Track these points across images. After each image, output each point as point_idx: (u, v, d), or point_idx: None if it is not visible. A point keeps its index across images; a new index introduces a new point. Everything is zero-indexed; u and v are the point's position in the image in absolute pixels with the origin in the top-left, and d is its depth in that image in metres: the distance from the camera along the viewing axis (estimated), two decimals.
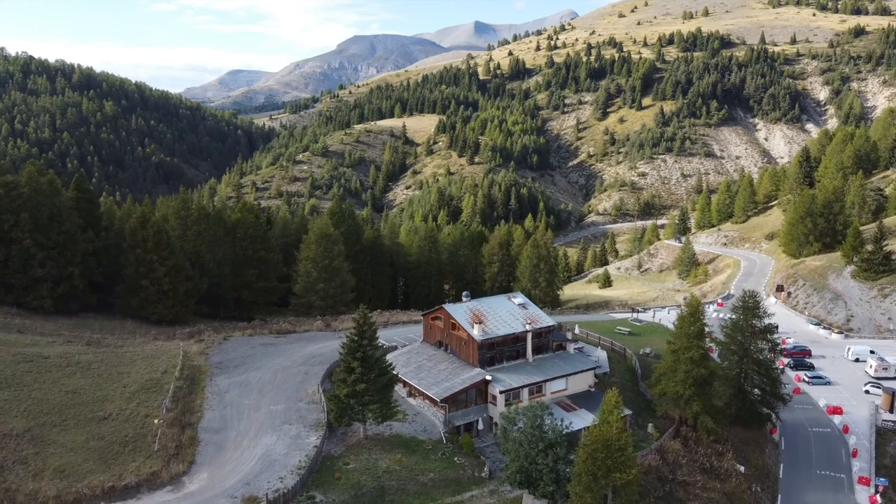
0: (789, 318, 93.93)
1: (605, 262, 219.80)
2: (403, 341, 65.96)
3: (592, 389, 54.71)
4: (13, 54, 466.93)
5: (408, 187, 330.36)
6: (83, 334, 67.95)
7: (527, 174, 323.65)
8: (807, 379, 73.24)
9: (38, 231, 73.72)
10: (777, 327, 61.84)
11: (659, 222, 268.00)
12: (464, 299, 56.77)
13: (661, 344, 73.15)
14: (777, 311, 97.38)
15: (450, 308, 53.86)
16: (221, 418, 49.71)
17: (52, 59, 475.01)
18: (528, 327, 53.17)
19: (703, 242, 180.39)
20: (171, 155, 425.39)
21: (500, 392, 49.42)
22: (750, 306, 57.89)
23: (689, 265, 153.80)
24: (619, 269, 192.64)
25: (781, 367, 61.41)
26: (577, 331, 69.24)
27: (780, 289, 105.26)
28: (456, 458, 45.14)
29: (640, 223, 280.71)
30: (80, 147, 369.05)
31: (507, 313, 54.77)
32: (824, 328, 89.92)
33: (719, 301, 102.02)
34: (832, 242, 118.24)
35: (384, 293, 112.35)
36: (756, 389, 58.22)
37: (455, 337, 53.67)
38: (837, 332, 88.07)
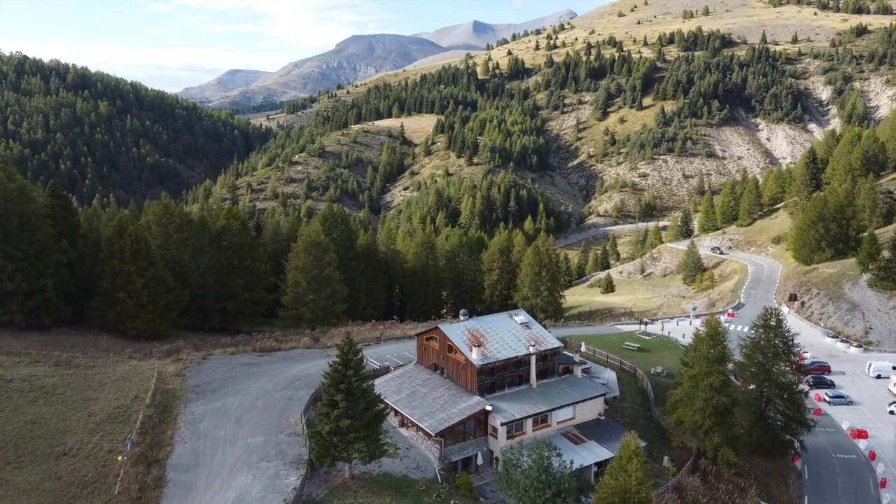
0: (804, 330, 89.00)
1: (606, 266, 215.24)
2: (397, 360, 61.23)
3: (602, 418, 50.05)
4: (7, 54, 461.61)
5: (406, 188, 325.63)
6: (53, 353, 63.16)
7: (526, 175, 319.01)
8: (828, 398, 68.65)
9: (7, 241, 68.88)
10: (798, 345, 57.10)
11: (661, 224, 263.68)
12: (461, 318, 52.08)
13: (673, 361, 68.59)
14: (790, 321, 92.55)
15: (445, 329, 49.13)
16: (193, 453, 44.97)
17: (47, 59, 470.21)
18: (531, 349, 48.48)
19: (708, 245, 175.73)
20: (166, 156, 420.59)
21: (502, 424, 44.76)
22: (772, 325, 53.28)
23: (695, 270, 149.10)
24: (621, 273, 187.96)
25: (802, 385, 56.59)
26: (583, 349, 64.56)
27: (793, 298, 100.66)
28: (453, 501, 40.48)
29: (641, 225, 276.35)
30: (74, 148, 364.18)
31: (509, 334, 50.08)
32: (842, 341, 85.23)
33: (730, 311, 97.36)
34: (845, 248, 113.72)
35: (379, 302, 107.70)
36: (779, 416, 53.58)
37: (452, 360, 48.99)
38: (856, 346, 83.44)
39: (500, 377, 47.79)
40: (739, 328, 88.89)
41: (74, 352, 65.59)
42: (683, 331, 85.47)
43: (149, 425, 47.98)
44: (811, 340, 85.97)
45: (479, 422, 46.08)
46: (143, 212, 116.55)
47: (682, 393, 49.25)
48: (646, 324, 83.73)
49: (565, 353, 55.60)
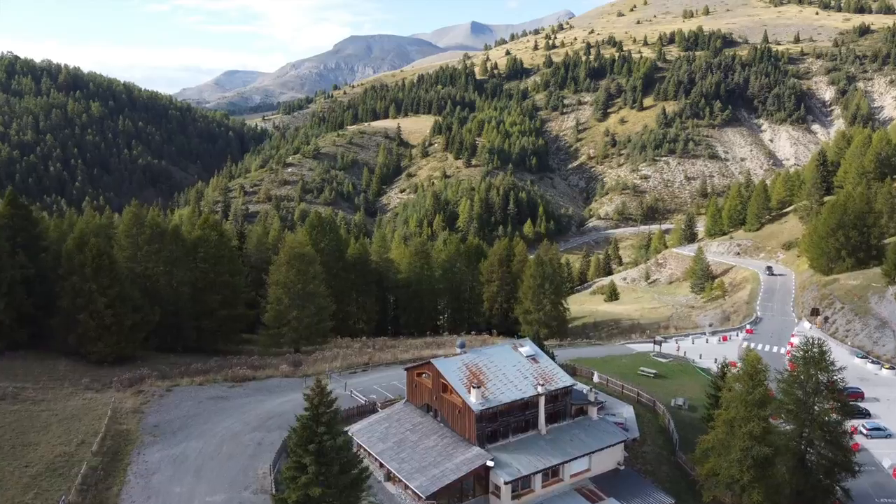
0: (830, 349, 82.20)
1: (608, 271, 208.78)
2: (386, 393, 54.28)
3: (622, 467, 43.19)
4: None
5: (402, 191, 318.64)
6: (0, 384, 56.20)
7: (525, 177, 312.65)
8: (864, 430, 61.67)
9: None
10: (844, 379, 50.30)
11: (663, 227, 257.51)
12: (458, 350, 45.08)
13: (694, 390, 61.88)
14: (814, 338, 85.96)
15: (439, 365, 42.16)
16: None
17: (39, 60, 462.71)
18: (540, 389, 41.58)
19: (715, 251, 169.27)
20: (159, 157, 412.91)
21: (506, 483, 37.84)
22: (815, 358, 46.44)
23: (703, 278, 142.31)
24: (624, 279, 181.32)
25: (853, 432, 49.74)
26: (596, 378, 57.64)
27: (815, 313, 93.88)
28: None
29: (643, 228, 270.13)
30: (64, 150, 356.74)
31: (514, 369, 43.15)
32: (872, 362, 78.32)
33: (748, 328, 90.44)
34: (866, 258, 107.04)
35: (371, 315, 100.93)
36: (822, 460, 46.70)
37: (446, 402, 42.05)
38: (888, 368, 76.55)
39: (504, 423, 40.85)
40: (760, 346, 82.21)
41: (26, 381, 58.55)
42: (700, 350, 78.80)
43: (92, 480, 40.94)
44: (839, 361, 78.95)
45: (479, 477, 39.18)
46: (122, 218, 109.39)
47: (714, 439, 42.41)
48: (660, 343, 76.87)
49: (578, 385, 48.64)
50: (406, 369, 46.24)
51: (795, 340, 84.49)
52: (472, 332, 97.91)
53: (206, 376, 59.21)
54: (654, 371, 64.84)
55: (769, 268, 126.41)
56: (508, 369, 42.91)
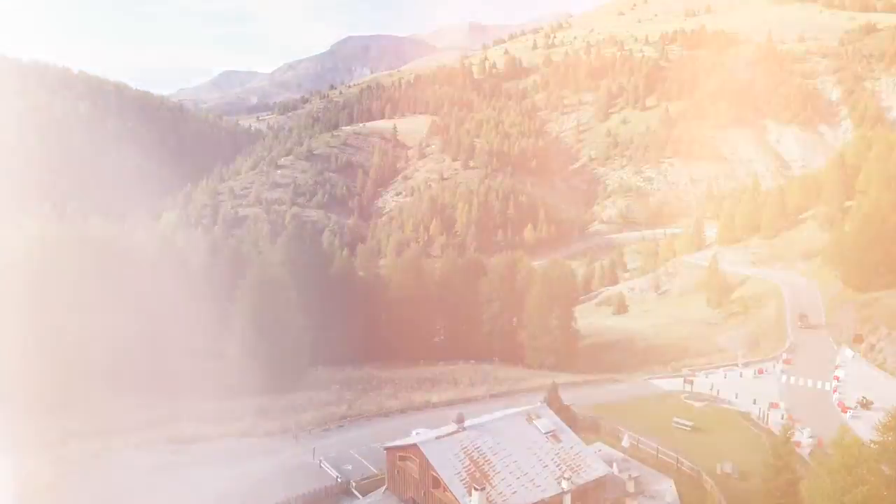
0: (877, 382, 71.72)
1: (614, 280, 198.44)
2: (364, 463, 43.50)
3: None
4: None
5: (398, 194, 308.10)
6: None
7: (525, 179, 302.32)
8: None
9: None
10: None
11: (669, 231, 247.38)
12: (453, 426, 34.31)
13: (742, 447, 51.27)
14: (857, 369, 75.74)
15: (429, 450, 31.55)
16: None
17: (32, 59, 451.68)
18: (565, 485, 31.04)
19: (729, 260, 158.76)
20: (148, 158, 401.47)
21: None
22: None
23: (720, 291, 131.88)
24: (632, 289, 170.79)
25: None
26: (625, 441, 46.96)
27: (859, 339, 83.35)
28: None
29: (647, 233, 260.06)
30: (49, 151, 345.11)
31: (528, 454, 32.57)
32: None
33: (786, 357, 79.78)
34: None
35: (356, 340, 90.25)
36: None
37: (438, 502, 31.48)
38: None
39: None
40: (802, 382, 71.74)
41: None
42: (735, 387, 68.08)
43: None
44: (892, 398, 68.57)
45: None
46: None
47: None
48: (690, 382, 66.32)
49: (606, 452, 38.01)
50: (386, 448, 35.57)
51: (840, 374, 74.18)
52: (472, 361, 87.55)
53: (146, 433, 48.48)
54: (690, 423, 54.20)
55: (803, 317, 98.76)
56: (521, 454, 32.32)
